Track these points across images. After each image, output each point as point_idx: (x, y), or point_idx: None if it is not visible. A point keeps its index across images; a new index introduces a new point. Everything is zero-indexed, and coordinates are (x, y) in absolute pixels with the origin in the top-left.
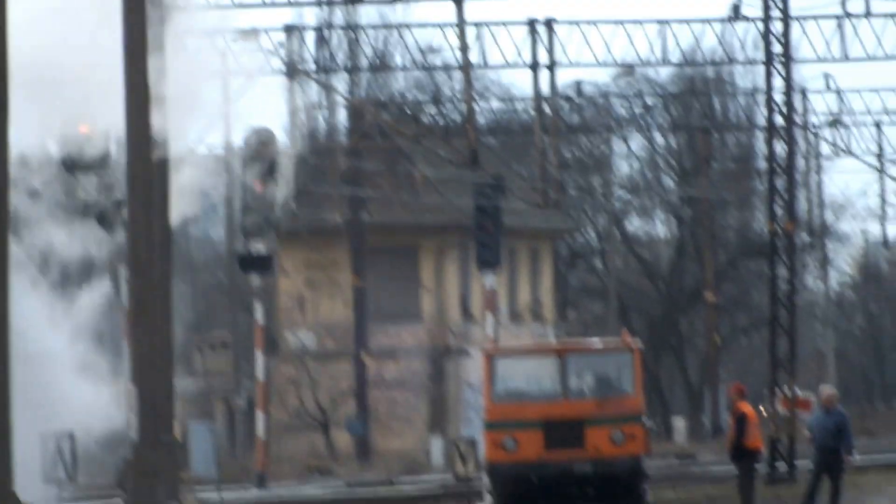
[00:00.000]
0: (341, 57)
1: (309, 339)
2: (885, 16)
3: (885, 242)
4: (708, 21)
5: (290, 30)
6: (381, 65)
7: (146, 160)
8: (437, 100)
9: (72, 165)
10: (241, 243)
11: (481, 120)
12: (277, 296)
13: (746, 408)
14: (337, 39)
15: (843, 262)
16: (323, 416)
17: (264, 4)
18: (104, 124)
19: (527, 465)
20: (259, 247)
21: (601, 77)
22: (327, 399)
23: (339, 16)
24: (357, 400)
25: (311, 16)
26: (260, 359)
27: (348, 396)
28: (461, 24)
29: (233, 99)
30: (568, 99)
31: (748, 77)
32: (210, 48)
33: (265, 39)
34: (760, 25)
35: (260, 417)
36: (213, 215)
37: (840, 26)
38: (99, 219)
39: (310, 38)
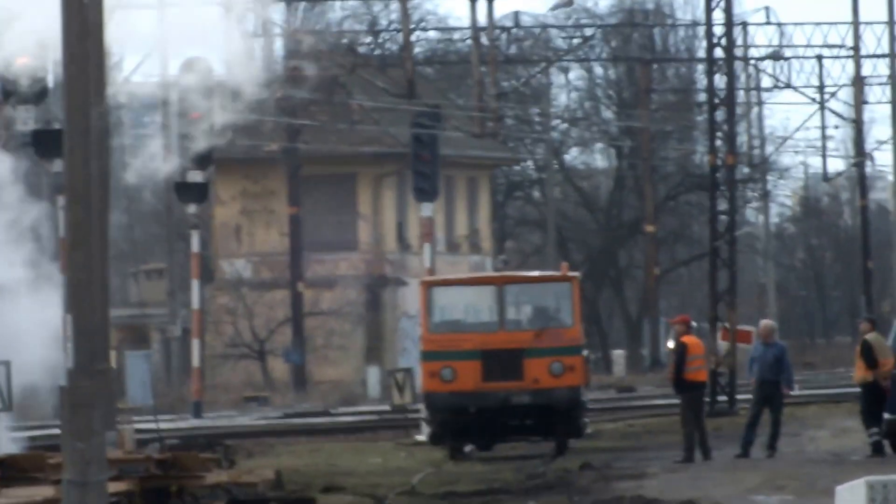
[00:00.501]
0: None
1: (245, 268)
2: None
3: (826, 176)
4: None
5: None
6: None
7: (84, 90)
8: (373, 30)
9: (10, 95)
10: (177, 172)
11: (418, 50)
12: (213, 225)
13: (689, 339)
14: None
15: (784, 196)
16: (259, 345)
17: None
18: (43, 56)
19: (464, 396)
20: (196, 175)
21: (539, 8)
22: (263, 328)
23: None
24: (293, 329)
25: None
26: (196, 288)
27: (284, 326)
28: None
29: (168, 29)
30: (506, 29)
31: (688, 9)
32: None
33: None
34: None
35: (196, 346)
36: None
37: None
38: (37, 148)
39: None
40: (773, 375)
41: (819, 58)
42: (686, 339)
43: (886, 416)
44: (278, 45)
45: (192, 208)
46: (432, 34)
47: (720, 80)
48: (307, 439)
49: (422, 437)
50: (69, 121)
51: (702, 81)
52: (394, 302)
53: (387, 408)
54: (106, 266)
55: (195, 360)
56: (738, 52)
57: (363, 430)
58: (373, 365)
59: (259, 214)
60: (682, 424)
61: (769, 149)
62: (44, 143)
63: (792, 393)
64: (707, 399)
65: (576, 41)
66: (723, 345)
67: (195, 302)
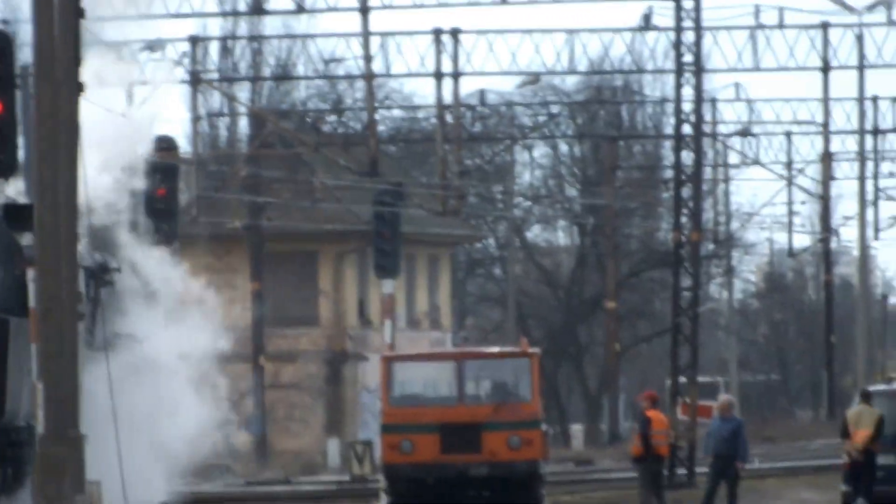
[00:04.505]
0: (245, 67)
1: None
2: (798, 27)
3: (791, 251)
4: (617, 31)
5: (194, 40)
6: (284, 75)
7: (54, 166)
8: (338, 109)
9: None
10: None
11: (382, 128)
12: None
13: (653, 413)
14: (241, 50)
15: (748, 272)
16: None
17: (170, 15)
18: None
19: (423, 467)
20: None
21: (506, 86)
22: (226, 400)
23: (243, 27)
24: (254, 401)
25: (215, 27)
26: None
27: (246, 397)
28: (366, 34)
29: (137, 107)
30: (471, 107)
31: (657, 86)
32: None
33: (170, 50)
34: (671, 35)
35: None
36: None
37: (752, 37)
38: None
39: (214, 48)
40: (728, 450)
41: (788, 134)
42: (650, 413)
43: (843, 487)
44: (243, 124)
45: None
46: (397, 112)
47: (687, 157)
48: None
49: None
50: (39, 195)
51: (669, 158)
52: (354, 376)
53: (346, 478)
54: (76, 336)
55: None
56: (707, 128)
57: (323, 499)
58: (333, 437)
59: (222, 290)
60: (639, 496)
61: (735, 225)
62: (14, 217)
63: (746, 467)
64: (666, 472)
65: (542, 118)
66: (683, 419)
67: None
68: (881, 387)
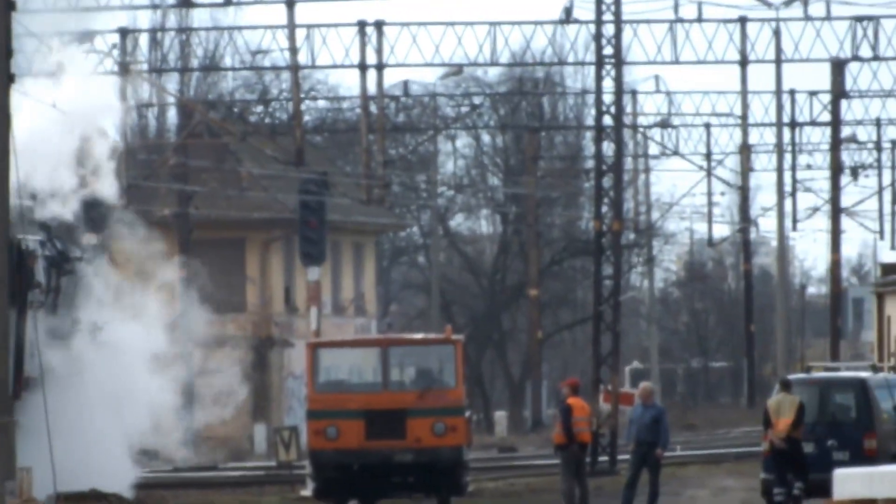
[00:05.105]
0: (173, 58)
1: None
2: (716, 21)
3: (711, 241)
4: (539, 23)
5: (124, 32)
6: (211, 66)
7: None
8: (264, 100)
9: None
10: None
11: (308, 119)
12: None
13: (574, 400)
14: (169, 41)
15: (669, 261)
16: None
17: (100, 8)
18: None
19: (348, 453)
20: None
21: (429, 77)
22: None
23: (172, 19)
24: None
25: (144, 19)
26: None
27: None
28: (291, 26)
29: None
30: (395, 98)
31: (578, 78)
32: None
33: (99, 41)
34: (592, 28)
35: None
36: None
37: (672, 30)
38: None
39: (143, 40)
40: (650, 437)
41: (707, 126)
42: (571, 400)
43: (762, 475)
44: (172, 114)
45: None
46: (322, 103)
47: (608, 148)
48: (197, 492)
49: (307, 493)
50: None
51: (589, 148)
52: (280, 362)
53: (273, 464)
54: (7, 323)
55: None
56: (628, 119)
57: (251, 485)
58: (259, 423)
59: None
60: (562, 483)
61: (655, 215)
62: None
63: (667, 454)
64: (588, 459)
65: (464, 109)
66: (604, 407)
67: None
68: (800, 375)
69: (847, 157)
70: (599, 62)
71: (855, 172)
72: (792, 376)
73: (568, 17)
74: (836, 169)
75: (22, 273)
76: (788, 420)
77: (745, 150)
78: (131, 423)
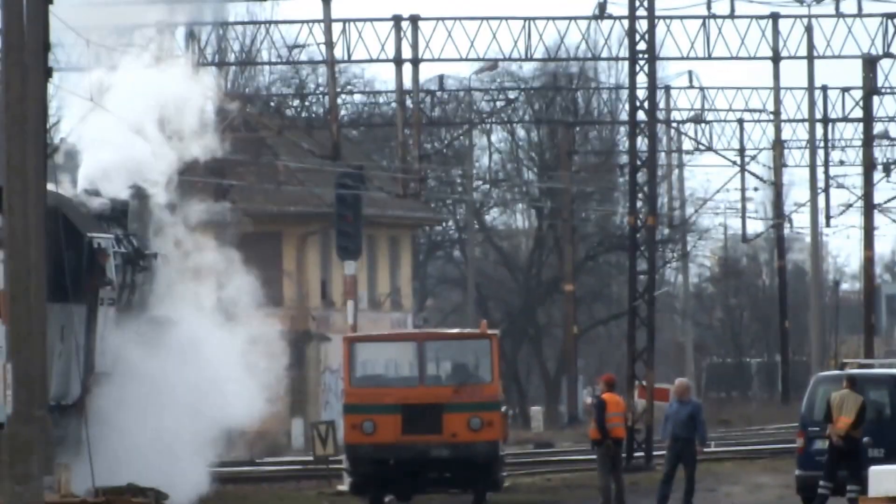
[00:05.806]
0: (210, 52)
1: None
2: (749, 17)
3: (745, 237)
4: (573, 18)
5: (161, 27)
6: (248, 60)
7: (22, 148)
8: (301, 94)
9: None
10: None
11: (344, 113)
12: None
13: (608, 396)
14: (206, 36)
15: (703, 257)
16: None
17: (139, 2)
18: None
19: (384, 448)
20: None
21: (464, 72)
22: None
23: (208, 14)
24: None
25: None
26: None
27: None
28: (327, 20)
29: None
30: (430, 92)
31: (612, 73)
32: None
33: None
34: (626, 23)
35: None
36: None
37: (705, 26)
38: None
39: (179, 34)
40: (686, 433)
41: (740, 121)
42: (606, 396)
43: (797, 472)
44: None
45: None
46: (358, 97)
47: (642, 143)
48: (234, 487)
49: (343, 488)
50: (8, 178)
51: (624, 143)
52: (317, 357)
53: (310, 458)
54: (44, 318)
55: None
56: (661, 115)
57: (287, 480)
58: (297, 417)
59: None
60: (598, 479)
61: (689, 210)
62: None
63: (706, 450)
64: (624, 455)
65: (499, 104)
66: (640, 402)
67: None
68: (865, 371)
69: (879, 154)
70: (633, 58)
71: (887, 169)
72: (856, 371)
73: (602, 13)
74: (869, 165)
75: (92, 271)
76: (849, 420)
77: (778, 145)
78: (205, 419)
